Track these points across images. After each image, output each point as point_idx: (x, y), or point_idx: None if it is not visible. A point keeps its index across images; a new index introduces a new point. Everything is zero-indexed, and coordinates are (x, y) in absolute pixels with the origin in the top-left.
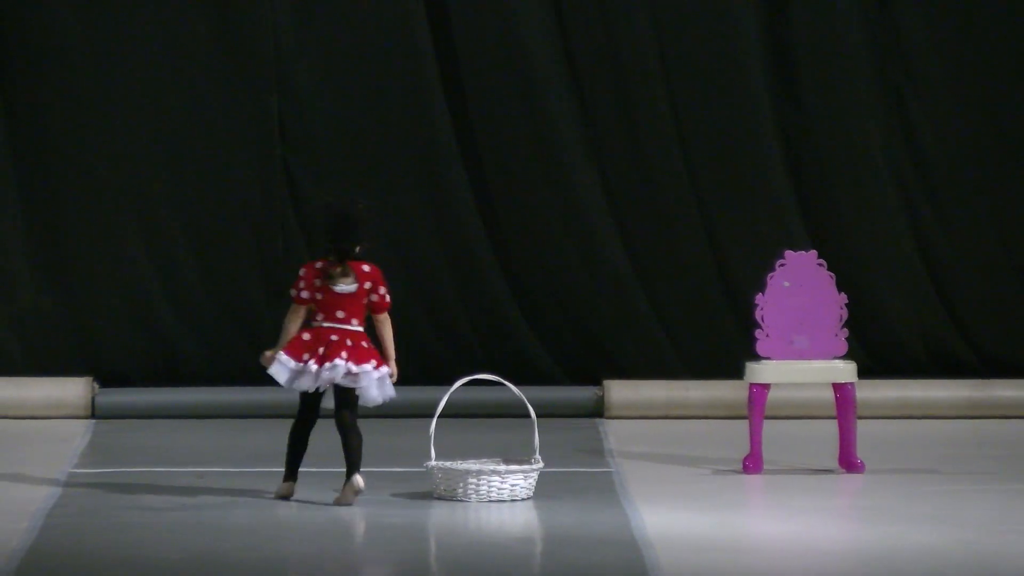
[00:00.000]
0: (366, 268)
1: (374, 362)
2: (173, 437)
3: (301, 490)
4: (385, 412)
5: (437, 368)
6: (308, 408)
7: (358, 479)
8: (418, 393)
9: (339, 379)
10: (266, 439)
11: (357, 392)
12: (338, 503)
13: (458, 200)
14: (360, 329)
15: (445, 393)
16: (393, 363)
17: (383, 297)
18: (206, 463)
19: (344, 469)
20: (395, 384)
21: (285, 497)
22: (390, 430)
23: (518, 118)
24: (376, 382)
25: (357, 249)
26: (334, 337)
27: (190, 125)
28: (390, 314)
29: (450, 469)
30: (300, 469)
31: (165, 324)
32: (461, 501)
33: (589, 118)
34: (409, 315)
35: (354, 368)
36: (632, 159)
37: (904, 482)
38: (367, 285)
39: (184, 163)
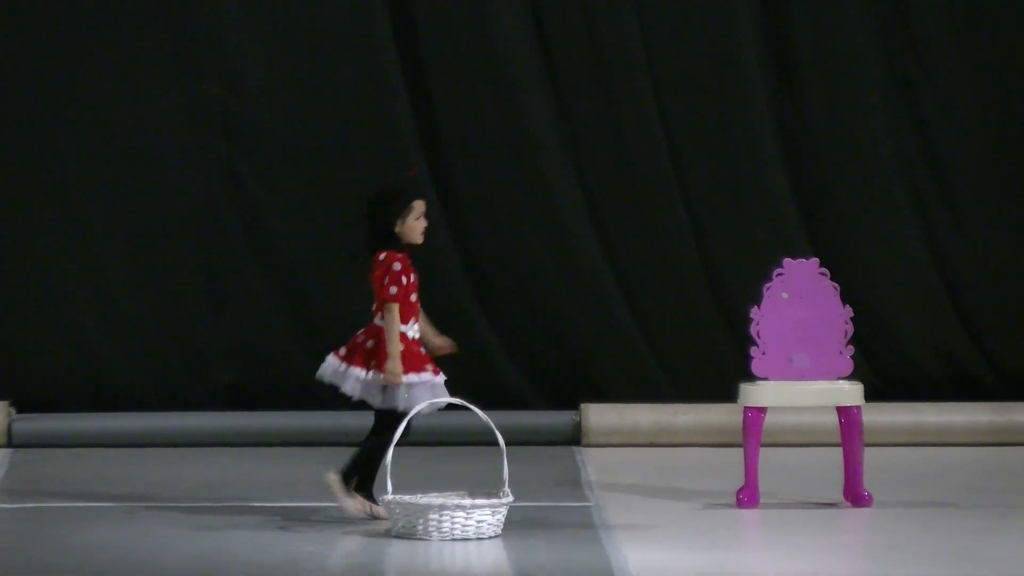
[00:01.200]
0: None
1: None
2: (102, 468)
3: (244, 524)
4: (336, 440)
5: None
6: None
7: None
8: (372, 419)
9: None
10: (208, 470)
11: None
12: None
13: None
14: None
15: (404, 420)
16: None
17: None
18: (139, 498)
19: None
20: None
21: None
22: (341, 460)
23: (488, 113)
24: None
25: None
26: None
27: (122, 119)
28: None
29: (409, 503)
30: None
31: (94, 342)
32: (421, 539)
33: (566, 112)
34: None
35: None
36: (614, 157)
37: (918, 517)
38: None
39: (116, 161)
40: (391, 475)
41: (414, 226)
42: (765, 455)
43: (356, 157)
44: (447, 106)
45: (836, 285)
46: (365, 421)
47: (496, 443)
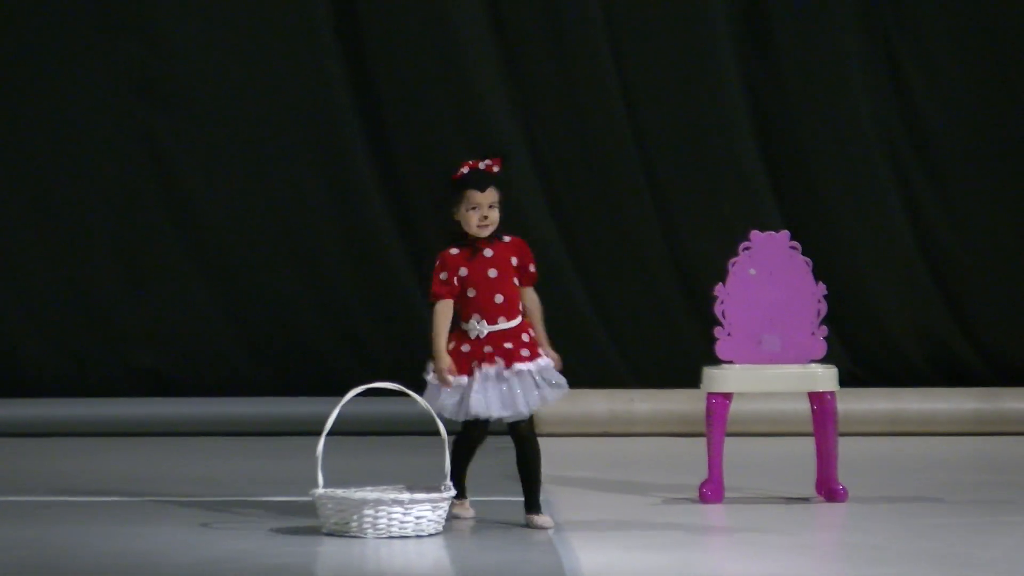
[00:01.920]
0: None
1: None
2: (10, 459)
3: (164, 521)
4: (264, 430)
5: (332, 376)
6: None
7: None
8: (304, 406)
9: None
10: (126, 462)
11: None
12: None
13: (361, 176)
14: None
15: (336, 405)
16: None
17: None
18: (50, 491)
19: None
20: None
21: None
22: (269, 451)
23: (429, 72)
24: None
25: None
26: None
27: (29, 79)
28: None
29: (342, 498)
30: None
31: (3, 323)
32: (356, 537)
33: (515, 72)
34: (301, 314)
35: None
36: (568, 123)
37: (897, 513)
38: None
39: (23, 126)
40: (322, 467)
41: (466, 217)
42: (730, 446)
43: (286, 122)
44: (385, 66)
45: (809, 260)
46: (293, 409)
47: (437, 432)
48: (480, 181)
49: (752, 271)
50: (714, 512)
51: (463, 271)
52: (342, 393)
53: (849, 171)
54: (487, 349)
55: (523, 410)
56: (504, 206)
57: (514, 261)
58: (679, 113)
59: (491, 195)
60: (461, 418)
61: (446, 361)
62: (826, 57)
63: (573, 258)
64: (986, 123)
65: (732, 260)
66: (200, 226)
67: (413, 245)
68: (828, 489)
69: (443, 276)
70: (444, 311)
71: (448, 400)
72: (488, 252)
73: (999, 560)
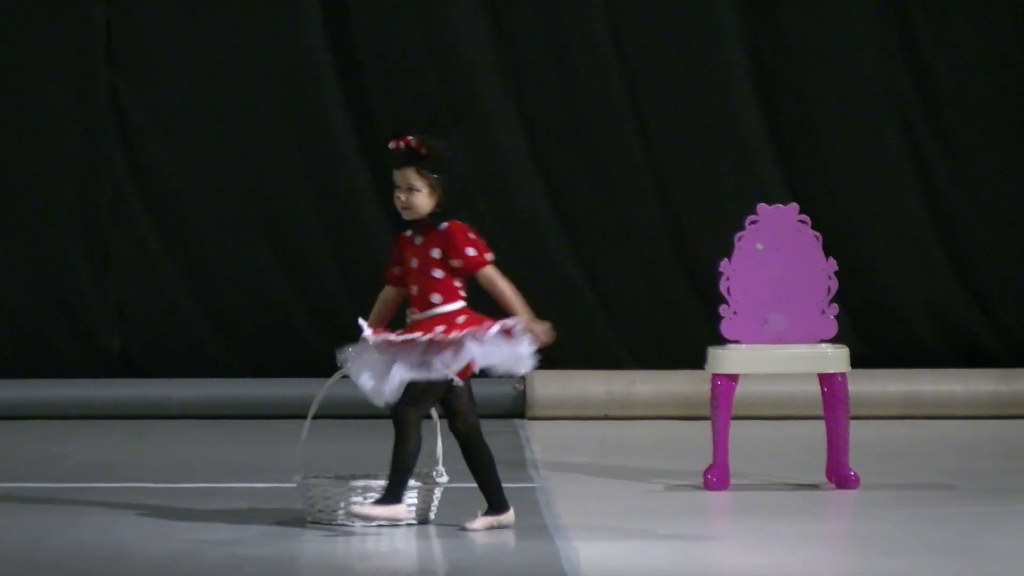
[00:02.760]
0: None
1: None
2: None
3: (135, 509)
4: (235, 412)
5: (313, 359)
6: None
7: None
8: (287, 388)
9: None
10: (94, 446)
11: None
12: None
13: (340, 142)
14: None
15: (315, 387)
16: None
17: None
18: (13, 477)
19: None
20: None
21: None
22: (251, 435)
23: (413, 35)
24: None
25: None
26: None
27: None
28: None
29: (328, 485)
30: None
31: None
32: (342, 525)
33: (504, 34)
34: (277, 292)
35: None
36: (561, 94)
37: (910, 501)
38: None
39: None
40: (307, 453)
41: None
42: (736, 429)
43: (260, 90)
44: (366, 29)
45: (818, 235)
46: (267, 390)
47: (428, 416)
48: (394, 160)
49: (759, 246)
50: (719, 499)
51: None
52: (318, 374)
53: (858, 140)
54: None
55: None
56: (491, 178)
57: (435, 253)
58: (677, 80)
59: (406, 176)
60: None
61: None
62: (833, 18)
63: (568, 234)
64: (1003, 88)
65: (738, 234)
66: (169, 200)
67: (395, 223)
68: (838, 475)
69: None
70: (382, 296)
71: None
72: (418, 240)
73: (1015, 551)
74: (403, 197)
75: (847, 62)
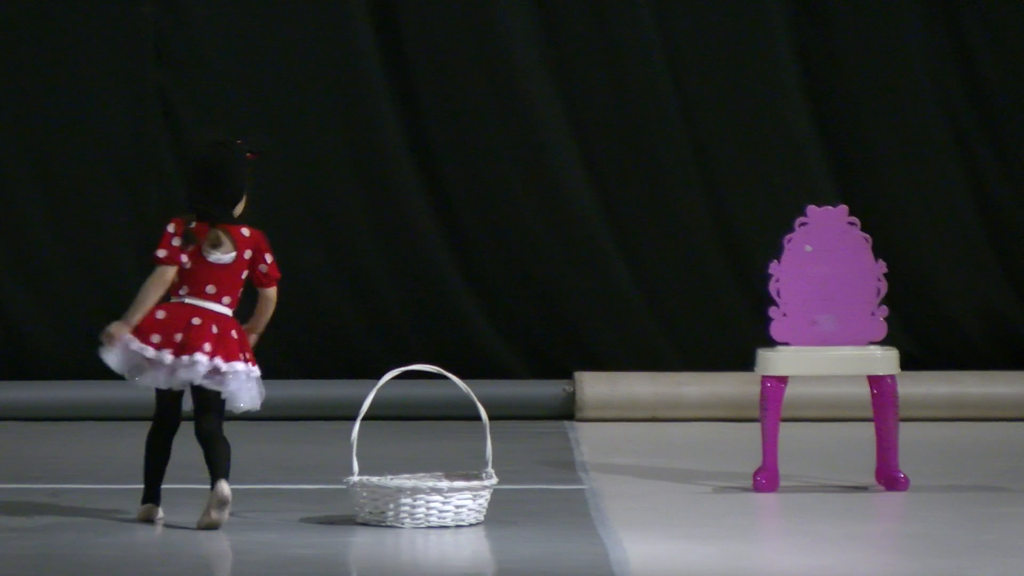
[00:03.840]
0: (246, 232)
1: (244, 357)
2: (20, 444)
3: (177, 511)
4: (295, 413)
5: (363, 360)
6: (166, 409)
7: (223, 486)
8: (338, 389)
9: (200, 380)
10: (139, 445)
11: (223, 395)
12: (202, 526)
13: (389, 142)
14: (230, 313)
15: (371, 389)
16: (253, 338)
17: (272, 267)
18: (63, 478)
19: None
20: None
21: (148, 520)
22: (301, 436)
23: (464, 41)
24: (246, 386)
25: (237, 210)
26: (196, 320)
27: (36, 42)
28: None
29: (378, 486)
30: (168, 485)
31: (9, 301)
32: (392, 527)
33: (552, 35)
34: (326, 292)
35: (222, 366)
36: (609, 91)
37: (959, 502)
38: (247, 254)
39: (29, 90)
40: (357, 453)
41: None
42: (785, 431)
43: (310, 90)
44: (416, 31)
45: (867, 236)
46: (320, 392)
47: (478, 417)
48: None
49: (808, 248)
50: (768, 501)
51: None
52: (369, 376)
53: (907, 142)
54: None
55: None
56: (541, 180)
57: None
58: (728, 81)
59: None
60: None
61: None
62: (882, 18)
63: (616, 234)
64: None
65: (787, 236)
66: None
67: (445, 222)
68: (888, 477)
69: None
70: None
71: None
72: None
73: None
74: None
75: (896, 62)
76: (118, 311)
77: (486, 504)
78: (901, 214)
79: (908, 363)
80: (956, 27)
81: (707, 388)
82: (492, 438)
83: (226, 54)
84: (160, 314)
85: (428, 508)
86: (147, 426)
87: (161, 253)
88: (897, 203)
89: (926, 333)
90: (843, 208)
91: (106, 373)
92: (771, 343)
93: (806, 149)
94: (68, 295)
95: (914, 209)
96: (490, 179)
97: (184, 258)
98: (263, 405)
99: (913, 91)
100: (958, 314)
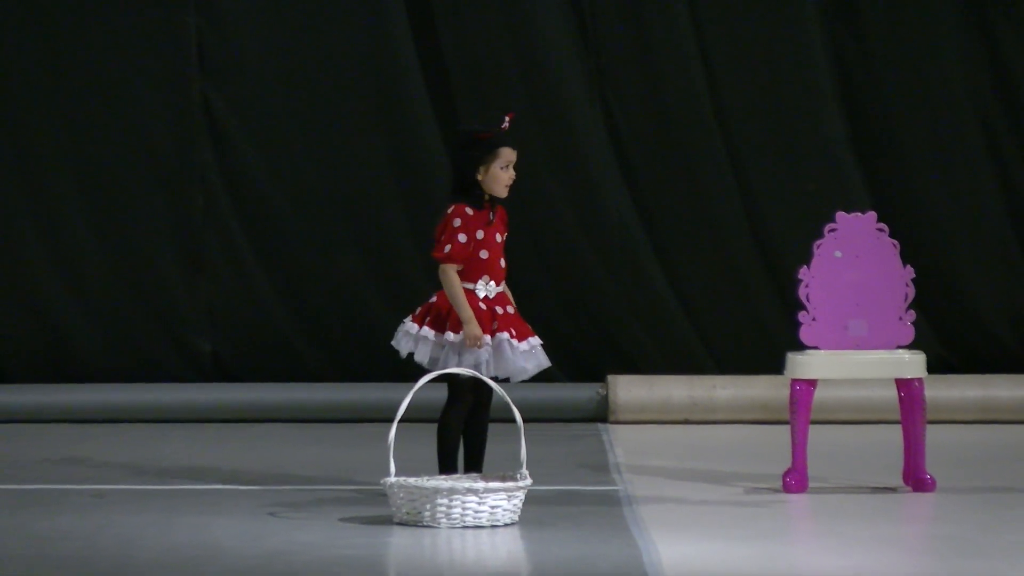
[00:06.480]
0: None
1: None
2: (66, 445)
3: (228, 510)
4: (328, 416)
5: (399, 363)
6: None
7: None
8: (375, 392)
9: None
10: (186, 449)
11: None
12: None
13: (429, 147)
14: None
15: (408, 392)
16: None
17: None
18: (107, 479)
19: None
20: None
21: None
22: (339, 438)
23: (499, 42)
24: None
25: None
26: (500, 310)
27: (82, 50)
28: None
29: (414, 487)
30: (212, 486)
31: (54, 305)
32: (428, 527)
33: (591, 41)
34: (366, 296)
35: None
36: (645, 93)
37: (987, 504)
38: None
39: (76, 100)
40: (394, 455)
41: (498, 176)
42: (815, 434)
43: (349, 96)
44: (452, 34)
45: (896, 242)
46: (358, 395)
47: (512, 419)
48: (515, 138)
49: (838, 253)
50: (798, 502)
51: (480, 234)
52: (405, 379)
53: (940, 147)
54: (498, 310)
55: (518, 376)
56: (576, 182)
57: (501, 230)
58: (762, 85)
59: (514, 155)
60: (490, 374)
61: (479, 328)
62: (916, 24)
63: (651, 238)
64: None
65: (817, 242)
66: (260, 205)
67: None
68: (916, 479)
69: (463, 237)
70: (457, 277)
71: (483, 356)
72: (492, 217)
73: None
74: (513, 174)
75: (930, 68)
76: (162, 316)
77: (521, 505)
78: (934, 219)
79: (936, 366)
80: (989, 34)
81: (739, 391)
82: (527, 440)
83: (267, 62)
84: (482, 305)
85: (464, 508)
86: (192, 427)
87: (449, 248)
88: (930, 208)
89: (957, 337)
90: (872, 214)
91: (150, 376)
92: (801, 347)
93: (840, 155)
94: (113, 300)
95: (946, 214)
96: (527, 183)
97: (470, 248)
98: (303, 408)
99: (946, 98)
100: (989, 318)
